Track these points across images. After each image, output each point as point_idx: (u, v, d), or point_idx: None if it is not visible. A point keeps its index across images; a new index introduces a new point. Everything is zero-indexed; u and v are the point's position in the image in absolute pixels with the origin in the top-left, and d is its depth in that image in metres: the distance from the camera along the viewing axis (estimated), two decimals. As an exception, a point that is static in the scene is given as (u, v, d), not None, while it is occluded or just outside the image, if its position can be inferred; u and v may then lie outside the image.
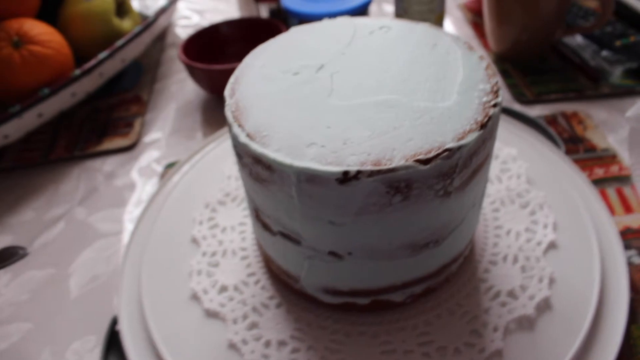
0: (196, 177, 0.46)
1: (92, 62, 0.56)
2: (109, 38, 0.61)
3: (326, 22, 0.37)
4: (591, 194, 0.41)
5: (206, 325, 0.35)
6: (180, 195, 0.45)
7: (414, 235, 0.29)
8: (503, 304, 0.34)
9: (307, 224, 0.28)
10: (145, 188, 0.51)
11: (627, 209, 0.44)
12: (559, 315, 0.33)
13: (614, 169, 0.48)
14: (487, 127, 0.27)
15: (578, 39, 0.64)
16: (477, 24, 0.73)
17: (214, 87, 0.58)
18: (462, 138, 0.26)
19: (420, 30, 0.35)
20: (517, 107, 0.56)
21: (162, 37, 0.78)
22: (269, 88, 0.31)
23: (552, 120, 0.54)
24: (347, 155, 0.25)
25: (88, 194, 0.51)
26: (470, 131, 0.26)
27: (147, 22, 0.62)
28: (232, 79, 0.32)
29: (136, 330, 0.35)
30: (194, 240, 0.41)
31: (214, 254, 0.39)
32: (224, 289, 0.37)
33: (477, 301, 0.35)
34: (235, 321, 0.35)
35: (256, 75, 0.32)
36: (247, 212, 0.42)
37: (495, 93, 0.29)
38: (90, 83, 0.58)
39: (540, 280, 0.35)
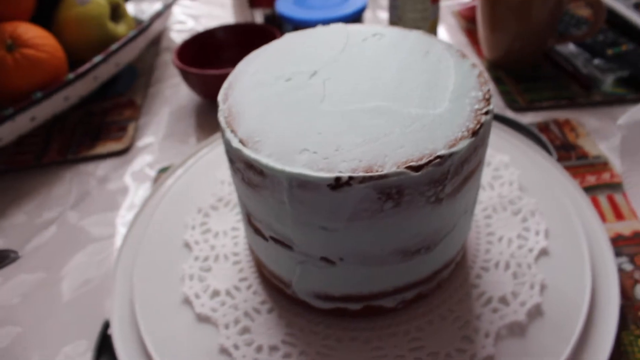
0: (189, 181, 0.46)
1: (86, 66, 0.56)
2: (104, 42, 0.61)
3: (320, 29, 0.37)
4: (583, 201, 0.41)
5: (198, 330, 0.35)
6: (173, 200, 0.44)
7: (406, 241, 0.29)
8: (494, 310, 0.34)
9: (299, 229, 0.28)
10: (138, 192, 0.51)
11: (619, 216, 0.44)
12: (550, 321, 0.33)
13: (605, 176, 0.48)
14: (478, 135, 0.27)
15: (570, 47, 0.64)
16: (470, 32, 0.73)
17: (208, 92, 0.58)
18: (453, 145, 0.26)
19: (413, 37, 0.35)
20: (510, 114, 0.57)
21: (156, 42, 0.78)
22: (262, 94, 0.31)
23: (544, 127, 0.54)
24: (338, 162, 0.26)
25: (81, 197, 0.51)
26: (461, 138, 0.26)
27: (141, 27, 0.62)
28: (225, 85, 0.33)
29: (128, 335, 0.35)
30: (187, 245, 0.41)
31: (206, 258, 0.39)
32: (216, 293, 0.37)
33: (468, 307, 0.35)
34: (227, 326, 0.35)
35: (249, 81, 0.32)
36: (239, 217, 0.42)
37: (487, 100, 0.29)
38: (84, 87, 0.58)
39: (532, 286, 0.35)
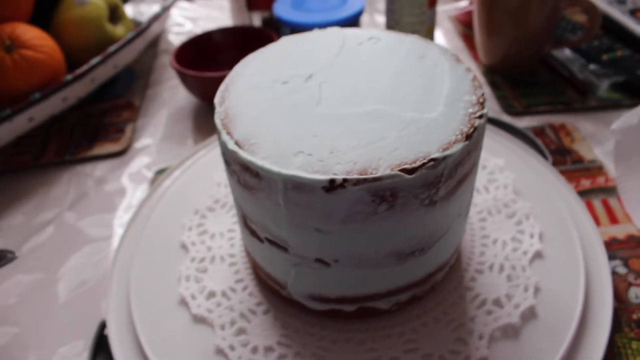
0: (186, 183, 0.47)
1: (84, 67, 0.56)
2: (102, 44, 0.61)
3: (316, 33, 0.37)
4: (577, 204, 0.42)
5: (194, 331, 0.35)
6: (170, 201, 0.45)
7: (400, 243, 0.29)
8: (488, 312, 0.35)
9: (294, 231, 0.29)
10: (135, 194, 0.51)
11: (613, 219, 0.44)
12: (544, 323, 0.34)
13: (600, 181, 0.48)
14: (472, 138, 0.27)
15: (567, 53, 0.65)
16: (467, 36, 0.74)
17: (206, 94, 0.59)
18: (447, 148, 0.26)
19: (409, 41, 0.35)
20: (506, 118, 0.57)
21: (155, 44, 0.78)
22: (259, 96, 0.31)
23: (540, 132, 0.55)
24: (333, 164, 0.26)
25: (78, 198, 0.51)
26: (455, 142, 0.27)
27: (140, 29, 0.62)
28: (222, 87, 0.33)
29: (124, 335, 0.35)
30: (183, 246, 0.41)
31: (202, 259, 0.40)
32: (212, 294, 0.37)
33: (462, 309, 0.35)
34: (222, 327, 0.35)
35: (246, 84, 0.32)
36: (236, 218, 0.43)
37: (481, 104, 0.29)
38: (82, 88, 0.58)
39: (526, 289, 0.36)
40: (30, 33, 0.56)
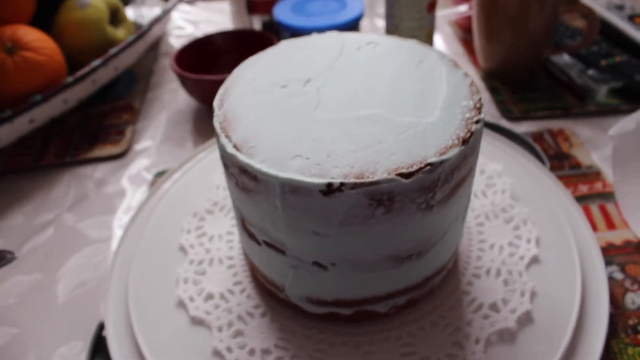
0: (185, 185, 0.47)
1: (85, 69, 0.57)
2: (103, 46, 0.62)
3: (315, 37, 0.38)
4: (575, 210, 0.42)
5: (191, 333, 0.35)
6: (169, 204, 0.45)
7: (397, 247, 0.29)
8: (485, 317, 0.35)
9: (291, 234, 0.29)
10: (135, 196, 0.51)
11: (610, 225, 0.45)
12: (540, 328, 0.34)
13: (597, 186, 0.48)
14: (469, 143, 0.28)
15: (565, 58, 0.65)
16: (467, 41, 0.74)
17: (206, 97, 0.59)
18: (444, 153, 0.27)
19: (407, 46, 0.35)
20: (505, 123, 0.57)
21: (155, 47, 0.78)
22: (257, 100, 0.31)
23: (538, 137, 0.55)
24: (330, 168, 0.26)
25: (78, 200, 0.51)
26: (452, 146, 0.27)
27: (141, 31, 0.63)
28: (221, 90, 0.33)
29: (122, 336, 0.35)
30: (182, 248, 0.41)
31: (201, 262, 0.40)
32: (210, 296, 0.37)
33: (459, 313, 0.35)
34: (220, 329, 0.35)
35: (245, 87, 0.33)
36: (234, 221, 0.43)
37: (478, 110, 0.29)
38: (83, 90, 0.58)
39: (522, 294, 0.36)
40: (31, 35, 0.56)
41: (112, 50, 0.59)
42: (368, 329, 0.35)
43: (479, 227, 0.41)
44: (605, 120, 0.57)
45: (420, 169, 0.26)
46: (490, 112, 0.59)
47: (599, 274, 0.37)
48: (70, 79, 0.55)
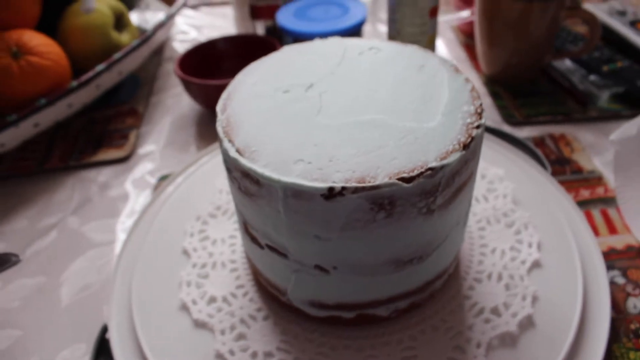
0: (189, 189, 0.47)
1: (89, 74, 0.57)
2: (107, 51, 0.62)
3: (317, 42, 0.38)
4: (576, 214, 0.42)
5: (194, 335, 0.35)
6: (172, 207, 0.45)
7: (398, 251, 0.30)
8: (486, 321, 0.35)
9: (293, 238, 0.29)
10: (138, 199, 0.52)
11: (612, 230, 0.45)
12: (541, 332, 0.34)
13: (599, 191, 0.49)
14: (469, 148, 0.28)
15: (567, 63, 0.65)
16: (469, 46, 0.74)
17: (209, 101, 0.59)
18: (444, 158, 0.27)
19: (409, 52, 0.36)
20: (507, 128, 0.58)
21: (159, 51, 0.79)
22: (260, 105, 0.32)
23: (540, 142, 0.55)
24: (332, 172, 0.26)
25: (82, 203, 0.51)
26: (452, 151, 0.27)
27: (145, 36, 0.63)
28: (224, 95, 0.33)
29: (125, 339, 0.36)
30: (185, 252, 0.41)
31: (204, 265, 0.40)
32: (212, 300, 0.37)
33: (461, 317, 0.35)
34: (223, 332, 0.35)
35: (248, 92, 0.33)
36: (237, 225, 0.43)
37: (479, 115, 0.30)
38: (87, 95, 0.58)
39: (524, 298, 0.36)
40: (36, 40, 0.56)
41: (116, 55, 0.59)
42: (370, 333, 0.35)
43: (480, 232, 0.41)
44: (607, 125, 0.57)
45: (421, 173, 0.26)
46: (492, 117, 0.59)
47: (601, 279, 0.37)
48: (74, 84, 0.56)
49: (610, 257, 0.42)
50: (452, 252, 0.35)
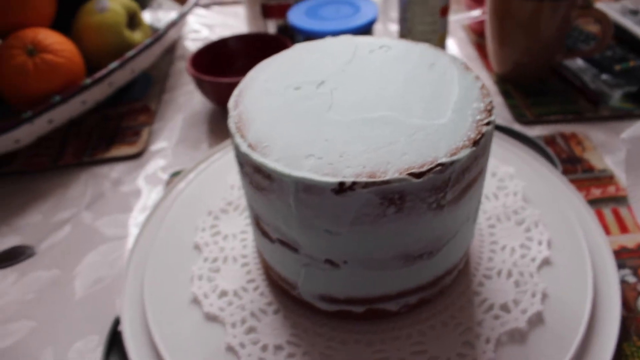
0: (200, 185, 0.47)
1: (103, 71, 0.58)
2: (120, 49, 0.63)
3: (329, 40, 0.38)
4: (587, 213, 0.42)
5: (205, 328, 0.36)
6: (184, 203, 0.46)
7: (408, 246, 0.30)
8: (496, 317, 0.35)
9: (304, 232, 0.29)
10: (150, 195, 0.52)
11: (623, 229, 0.45)
12: (551, 329, 0.34)
13: (610, 190, 0.48)
14: (479, 144, 0.28)
15: (579, 62, 0.65)
16: (480, 45, 0.74)
17: (221, 99, 0.60)
18: (454, 154, 0.27)
19: (419, 50, 0.36)
20: (517, 127, 0.57)
21: (171, 50, 0.79)
22: (272, 101, 0.32)
23: (551, 140, 0.55)
24: (343, 167, 0.27)
25: (95, 199, 0.52)
26: (462, 147, 0.27)
27: (157, 35, 0.64)
28: (236, 92, 0.34)
29: (137, 331, 0.36)
30: (197, 247, 0.42)
31: (215, 260, 0.40)
32: (223, 293, 0.38)
33: (470, 313, 0.35)
34: (233, 325, 0.35)
35: (260, 89, 0.33)
36: (248, 220, 0.43)
37: (489, 112, 0.30)
38: (100, 92, 0.59)
39: (533, 295, 0.36)
40: (51, 38, 0.57)
41: (129, 53, 0.60)
42: (379, 328, 0.35)
43: (490, 229, 0.41)
44: (619, 124, 0.56)
45: (431, 169, 0.26)
46: (503, 116, 0.59)
47: (611, 277, 0.37)
48: (88, 81, 0.56)
49: (622, 256, 0.42)
50: (462, 248, 0.35)
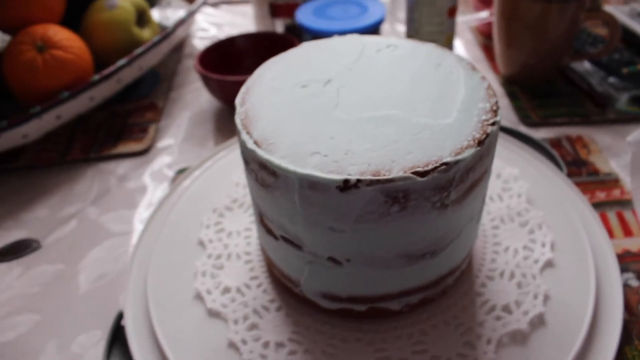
0: (205, 183, 0.48)
1: (111, 68, 0.58)
2: (129, 46, 0.63)
3: (336, 39, 0.38)
4: (591, 216, 0.42)
5: (208, 324, 0.36)
6: (189, 200, 0.46)
7: (411, 245, 0.30)
8: (498, 318, 0.35)
9: (308, 229, 0.30)
10: (156, 192, 0.52)
11: (627, 232, 0.44)
12: (552, 331, 0.34)
13: (615, 193, 0.48)
14: (484, 144, 0.28)
15: (586, 65, 0.65)
16: (487, 47, 0.74)
17: (228, 97, 0.60)
18: (459, 153, 0.27)
19: (426, 50, 0.36)
20: (523, 129, 0.57)
21: (179, 48, 0.80)
22: (278, 99, 0.32)
23: (556, 143, 0.55)
24: (348, 165, 0.27)
25: (101, 194, 0.52)
26: (467, 147, 0.27)
27: (165, 33, 0.64)
28: (243, 89, 0.34)
29: (140, 326, 0.36)
30: (201, 243, 0.42)
31: (219, 256, 0.41)
32: (226, 290, 0.38)
33: (472, 314, 0.35)
34: (236, 322, 0.36)
35: (266, 87, 0.33)
36: (252, 218, 0.44)
37: (494, 112, 0.30)
38: (108, 88, 0.60)
39: (535, 296, 0.36)
40: (61, 34, 0.58)
41: (138, 50, 0.60)
42: (381, 327, 0.35)
43: (494, 230, 0.41)
44: (625, 128, 0.56)
45: (436, 168, 0.26)
46: (509, 118, 0.59)
47: (614, 280, 0.37)
48: (96, 77, 0.57)
49: (625, 260, 0.42)
50: (465, 248, 0.35)
